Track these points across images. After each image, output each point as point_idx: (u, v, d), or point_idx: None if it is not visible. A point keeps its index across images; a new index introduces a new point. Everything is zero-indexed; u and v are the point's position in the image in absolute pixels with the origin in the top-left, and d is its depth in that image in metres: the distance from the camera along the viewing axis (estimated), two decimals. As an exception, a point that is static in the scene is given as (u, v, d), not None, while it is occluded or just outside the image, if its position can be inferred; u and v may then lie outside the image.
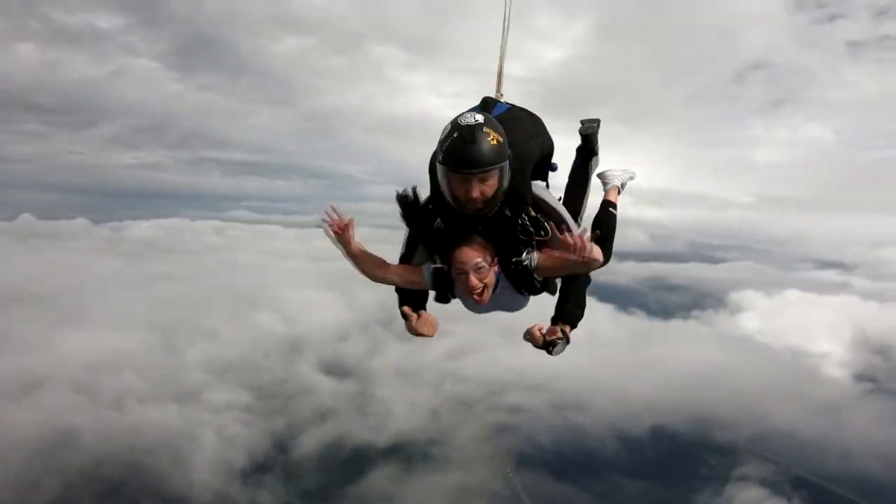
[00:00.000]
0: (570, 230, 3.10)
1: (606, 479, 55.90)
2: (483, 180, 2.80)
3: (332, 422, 62.44)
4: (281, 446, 58.70)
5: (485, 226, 3.09)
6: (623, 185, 4.30)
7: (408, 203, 3.22)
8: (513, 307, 3.59)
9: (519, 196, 3.10)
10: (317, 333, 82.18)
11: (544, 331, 3.37)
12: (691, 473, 56.87)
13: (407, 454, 58.30)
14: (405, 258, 3.50)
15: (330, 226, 3.20)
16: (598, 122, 4.02)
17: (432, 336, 3.28)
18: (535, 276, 3.24)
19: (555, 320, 3.48)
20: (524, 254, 3.20)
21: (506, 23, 3.85)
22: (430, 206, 3.22)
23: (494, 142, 2.74)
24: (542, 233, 3.12)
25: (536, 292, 3.42)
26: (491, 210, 2.98)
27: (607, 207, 4.02)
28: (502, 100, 3.73)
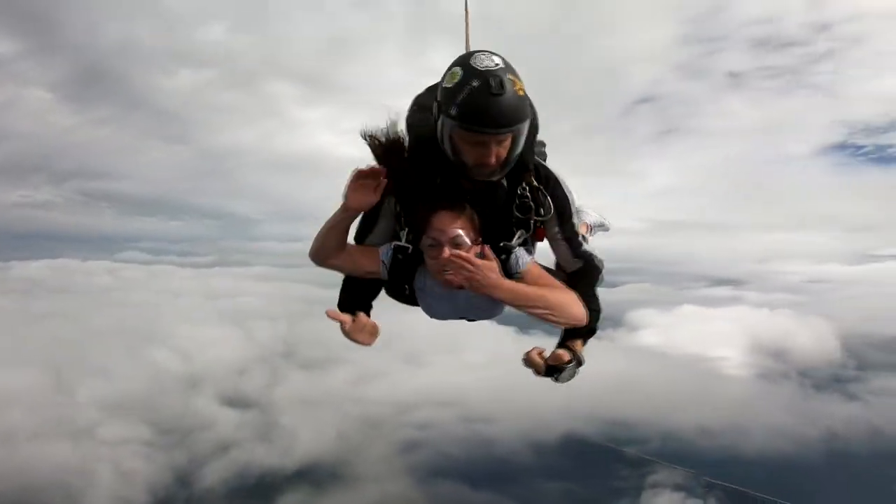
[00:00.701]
0: (572, 218, 2.72)
1: (524, 484, 58.62)
2: (502, 142, 2.26)
3: (236, 452, 62.45)
4: (183, 480, 57.95)
5: (474, 196, 2.52)
6: (593, 227, 3.68)
7: (389, 145, 2.54)
8: (483, 310, 2.89)
9: (518, 161, 2.45)
10: (215, 368, 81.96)
11: (546, 355, 2.82)
12: (606, 479, 59.81)
13: (316, 477, 59.31)
14: (359, 236, 2.81)
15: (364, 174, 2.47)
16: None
17: (370, 345, 2.68)
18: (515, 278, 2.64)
19: (563, 340, 2.86)
20: (514, 238, 2.63)
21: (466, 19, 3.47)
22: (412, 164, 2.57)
23: (521, 92, 2.20)
24: (542, 210, 2.59)
25: None
26: (503, 171, 2.41)
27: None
28: None
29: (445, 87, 2.23)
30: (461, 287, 2.52)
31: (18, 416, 61.55)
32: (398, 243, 2.65)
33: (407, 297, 2.80)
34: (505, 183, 2.53)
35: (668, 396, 74.17)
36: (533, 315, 2.58)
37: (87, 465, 56.12)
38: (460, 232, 2.44)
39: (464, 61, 2.21)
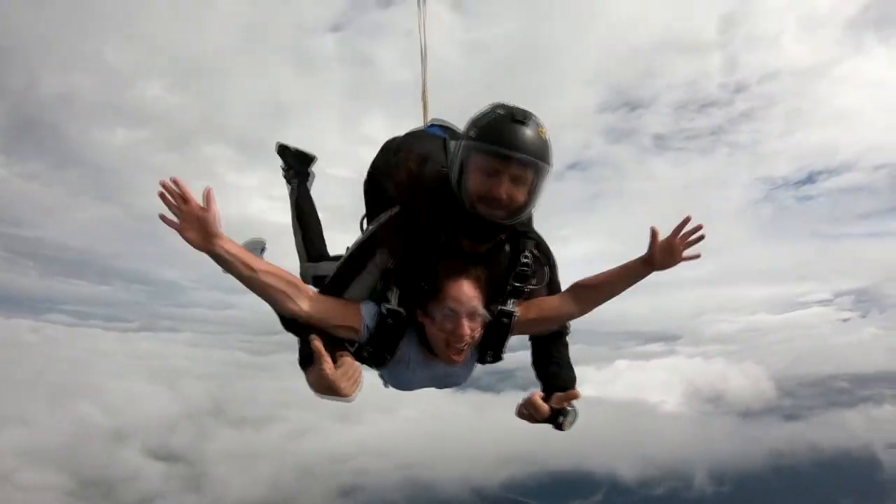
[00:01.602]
0: (559, 288, 2.59)
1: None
2: (518, 179, 2.15)
3: (162, 503, 61.25)
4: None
5: (474, 259, 2.35)
6: None
7: (414, 182, 2.44)
8: (456, 379, 2.72)
9: (523, 231, 2.45)
10: (142, 423, 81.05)
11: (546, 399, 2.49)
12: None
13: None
14: (336, 287, 2.41)
15: (172, 199, 1.98)
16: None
17: (350, 398, 2.16)
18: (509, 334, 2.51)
19: (552, 389, 2.54)
20: (509, 304, 2.45)
21: (423, 51, 3.59)
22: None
23: (544, 135, 2.18)
24: (536, 281, 2.47)
25: (494, 360, 2.60)
26: (513, 218, 2.25)
27: None
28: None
29: (472, 119, 2.22)
30: (454, 361, 2.34)
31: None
32: (390, 306, 2.32)
33: (374, 361, 2.45)
34: (508, 249, 2.41)
35: (609, 441, 76.46)
36: None
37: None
38: (476, 304, 2.22)
39: (490, 106, 2.22)
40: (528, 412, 2.44)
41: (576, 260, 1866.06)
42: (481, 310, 2.23)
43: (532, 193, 2.21)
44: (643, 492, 67.37)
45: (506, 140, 2.09)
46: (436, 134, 2.99)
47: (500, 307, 2.39)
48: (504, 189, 2.13)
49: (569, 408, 2.45)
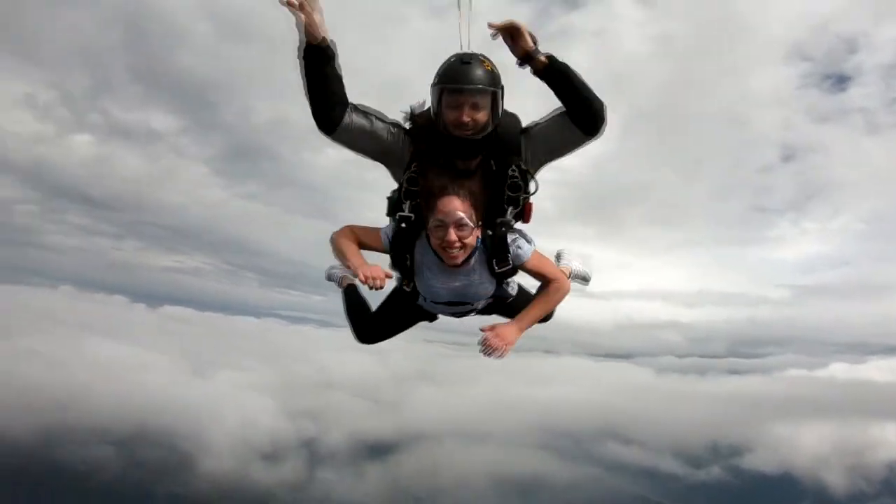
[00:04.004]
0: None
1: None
2: (475, 105, 2.73)
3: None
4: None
5: (467, 175, 2.88)
6: (573, 275, 4.06)
7: (425, 121, 2.92)
8: (477, 292, 3.19)
9: (508, 145, 2.95)
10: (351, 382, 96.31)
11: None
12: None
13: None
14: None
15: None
16: None
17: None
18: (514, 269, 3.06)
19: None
20: (508, 213, 3.01)
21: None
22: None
23: (488, 67, 2.74)
24: (531, 188, 3.00)
25: (506, 276, 3.11)
26: (482, 133, 2.81)
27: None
28: None
29: (437, 71, 2.79)
30: (459, 266, 2.95)
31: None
32: (402, 213, 2.98)
33: (409, 269, 3.07)
34: (493, 165, 2.93)
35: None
36: None
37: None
38: (462, 215, 2.72)
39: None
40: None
41: (792, 261, 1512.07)
42: (468, 220, 2.74)
43: (491, 112, 2.77)
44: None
45: (457, 78, 2.69)
46: None
47: (499, 218, 2.97)
48: (466, 115, 2.71)
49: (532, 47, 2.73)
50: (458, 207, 2.72)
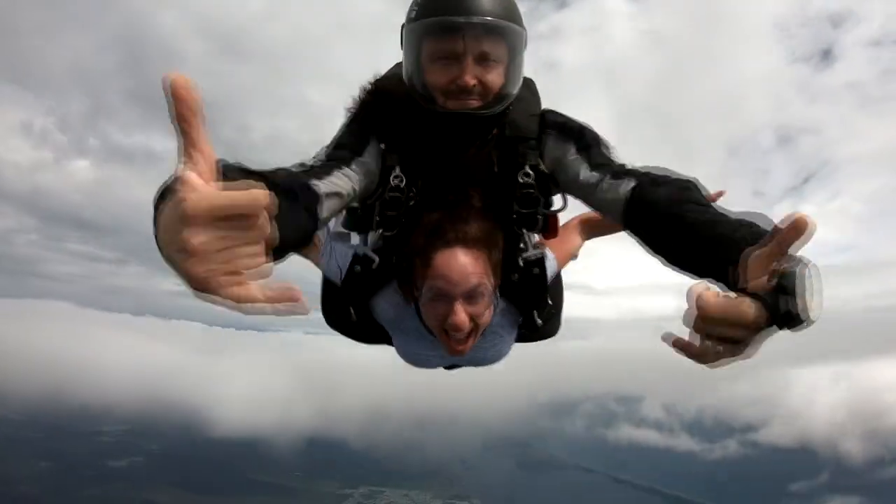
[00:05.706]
0: (599, 143, 1.69)
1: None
2: (484, 56, 1.58)
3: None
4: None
5: (456, 173, 1.72)
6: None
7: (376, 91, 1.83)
8: (494, 356, 2.10)
9: (520, 132, 1.74)
10: None
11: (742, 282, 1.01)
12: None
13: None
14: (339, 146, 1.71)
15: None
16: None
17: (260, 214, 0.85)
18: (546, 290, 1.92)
19: (729, 256, 1.07)
20: (525, 243, 1.85)
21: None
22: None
23: None
24: (550, 203, 1.80)
25: (534, 327, 1.96)
26: (494, 108, 1.62)
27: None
28: None
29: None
30: (457, 353, 1.67)
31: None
32: (362, 251, 1.77)
33: (349, 325, 1.95)
34: (495, 158, 1.74)
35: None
36: None
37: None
38: (476, 282, 1.55)
39: None
40: (705, 326, 0.97)
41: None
42: (486, 286, 1.58)
43: (509, 68, 1.63)
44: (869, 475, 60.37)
45: (453, 5, 1.55)
46: None
47: (522, 256, 1.80)
48: (469, 72, 1.57)
49: (790, 266, 0.94)
50: (467, 268, 1.55)
